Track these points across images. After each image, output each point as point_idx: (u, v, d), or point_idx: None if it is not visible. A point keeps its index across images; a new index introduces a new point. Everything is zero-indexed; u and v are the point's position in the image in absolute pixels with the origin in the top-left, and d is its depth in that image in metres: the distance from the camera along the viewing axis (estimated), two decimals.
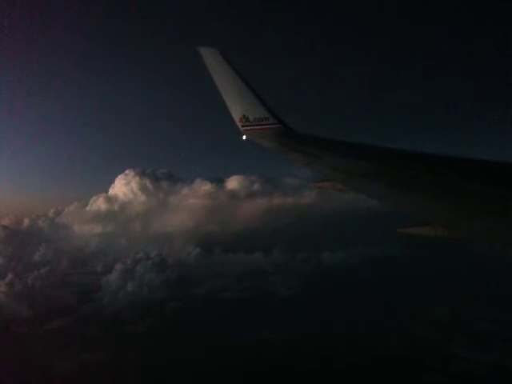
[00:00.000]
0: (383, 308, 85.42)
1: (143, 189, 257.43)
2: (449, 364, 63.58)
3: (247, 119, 10.59)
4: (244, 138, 10.64)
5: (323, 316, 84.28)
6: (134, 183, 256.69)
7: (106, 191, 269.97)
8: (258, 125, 10.57)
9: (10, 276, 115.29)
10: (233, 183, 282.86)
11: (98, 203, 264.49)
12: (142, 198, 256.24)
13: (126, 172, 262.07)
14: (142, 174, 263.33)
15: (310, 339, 73.72)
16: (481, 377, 60.53)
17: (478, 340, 69.28)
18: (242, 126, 10.64)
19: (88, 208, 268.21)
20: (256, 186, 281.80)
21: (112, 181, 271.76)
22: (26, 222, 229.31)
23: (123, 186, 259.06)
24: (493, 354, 64.85)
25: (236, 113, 10.68)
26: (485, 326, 74.33)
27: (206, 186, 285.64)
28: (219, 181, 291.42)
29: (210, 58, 10.42)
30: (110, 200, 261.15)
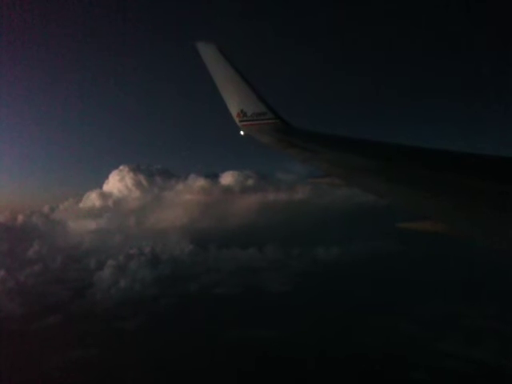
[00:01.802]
0: (378, 304, 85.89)
1: (138, 184, 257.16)
2: (443, 361, 64.04)
3: (245, 114, 10.50)
4: (241, 133, 10.57)
5: (317, 312, 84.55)
6: (129, 179, 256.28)
7: (101, 187, 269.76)
8: (255, 120, 10.48)
9: (2, 272, 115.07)
10: (227, 179, 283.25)
11: (92, 199, 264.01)
12: (136, 193, 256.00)
13: (121, 168, 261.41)
14: (136, 169, 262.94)
15: (304, 336, 73.92)
16: (477, 375, 60.90)
17: (475, 338, 69.72)
18: (240, 121, 10.55)
19: (82, 204, 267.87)
20: (250, 182, 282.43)
21: (106, 177, 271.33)
22: (21, 218, 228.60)
23: (117, 182, 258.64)
24: (488, 351, 65.33)
25: (234, 108, 10.59)
26: (481, 323, 74.73)
27: (200, 182, 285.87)
28: (214, 176, 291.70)
29: (208, 53, 10.32)
30: (105, 196, 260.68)
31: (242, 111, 10.49)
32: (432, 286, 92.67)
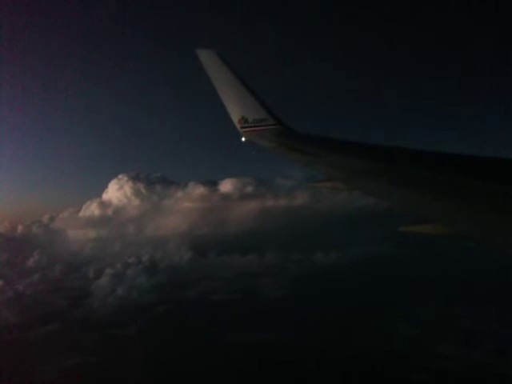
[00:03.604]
0: (378, 307, 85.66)
1: (137, 193, 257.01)
2: (442, 362, 63.85)
3: (246, 120, 10.52)
4: (243, 139, 10.58)
5: (316, 315, 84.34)
6: (128, 188, 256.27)
7: (100, 196, 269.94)
8: (257, 126, 10.50)
9: (2, 282, 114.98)
10: (226, 186, 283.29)
11: (92, 208, 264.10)
12: (135, 202, 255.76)
13: (119, 177, 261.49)
14: (135, 178, 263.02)
15: (304, 338, 73.79)
16: (477, 376, 60.70)
17: (474, 339, 69.50)
18: (241, 128, 10.55)
19: (81, 213, 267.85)
20: (249, 189, 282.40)
21: (105, 186, 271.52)
22: (20, 228, 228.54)
23: (116, 191, 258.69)
24: (488, 352, 65.10)
25: (235, 114, 10.63)
26: (481, 324, 74.43)
27: (199, 190, 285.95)
28: (213, 184, 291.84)
29: (208, 60, 10.34)
30: (104, 205, 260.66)
31: (243, 118, 10.51)
32: (431, 287, 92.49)
